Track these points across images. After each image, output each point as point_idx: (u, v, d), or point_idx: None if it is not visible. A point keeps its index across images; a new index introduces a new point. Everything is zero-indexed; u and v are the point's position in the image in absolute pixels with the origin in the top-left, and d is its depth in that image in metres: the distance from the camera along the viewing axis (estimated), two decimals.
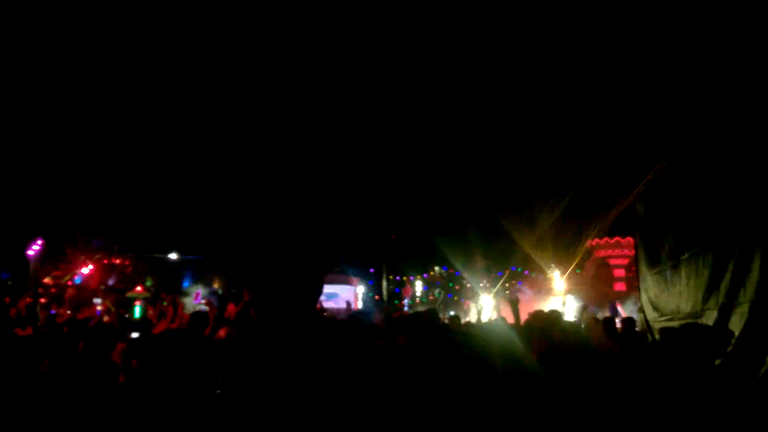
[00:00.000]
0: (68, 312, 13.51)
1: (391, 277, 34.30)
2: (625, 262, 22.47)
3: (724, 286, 6.53)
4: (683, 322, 7.17)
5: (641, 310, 9.96)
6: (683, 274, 7.88)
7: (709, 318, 6.67)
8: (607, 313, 9.89)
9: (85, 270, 29.24)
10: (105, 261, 30.29)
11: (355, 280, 33.69)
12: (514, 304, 6.12)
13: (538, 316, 4.92)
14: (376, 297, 35.57)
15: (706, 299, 7.00)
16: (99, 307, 20.25)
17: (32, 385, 4.32)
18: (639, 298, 10.30)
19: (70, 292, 25.54)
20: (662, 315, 8.69)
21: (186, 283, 31.80)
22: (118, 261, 30.91)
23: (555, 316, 5.09)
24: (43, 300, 20.09)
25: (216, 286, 32.44)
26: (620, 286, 22.73)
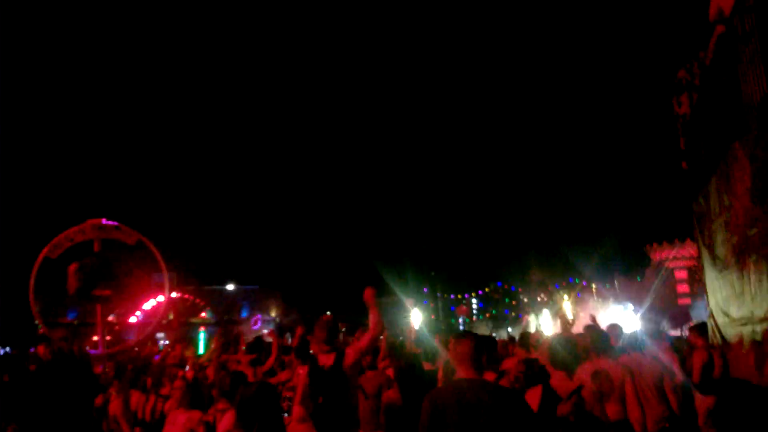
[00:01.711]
0: (135, 349, 13.88)
1: (445, 295, 33.99)
2: (687, 264, 21.65)
3: None
4: (758, 327, 6.82)
5: (711, 315, 9.55)
6: (753, 275, 7.52)
7: None
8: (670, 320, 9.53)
9: (147, 306, 30.00)
10: (165, 297, 30.99)
11: (409, 301, 33.46)
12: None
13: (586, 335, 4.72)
14: (431, 316, 35.28)
15: None
16: (162, 342, 20.75)
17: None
18: (707, 302, 9.88)
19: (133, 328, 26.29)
20: (733, 320, 8.29)
21: (244, 313, 32.35)
22: (178, 294, 31.62)
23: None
24: (109, 337, 20.70)
25: (273, 314, 32.89)
26: (684, 291, 21.90)
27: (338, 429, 4.08)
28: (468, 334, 3.21)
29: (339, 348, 4.35)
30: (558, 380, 3.69)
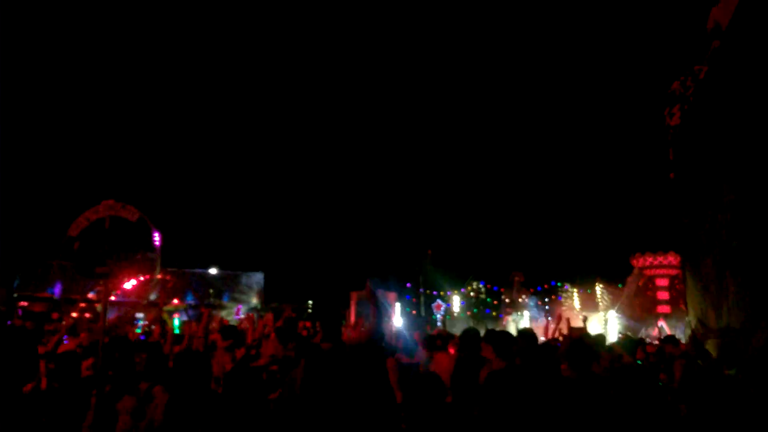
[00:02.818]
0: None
1: (427, 291, 34.03)
2: (669, 272, 21.83)
3: None
4: (734, 339, 6.94)
5: (689, 326, 9.66)
6: (732, 288, 7.63)
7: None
8: (651, 330, 9.63)
9: (128, 285, 29.68)
10: (147, 276, 30.67)
11: (391, 295, 33.43)
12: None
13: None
14: (413, 312, 35.38)
15: (759, 317, 6.71)
16: (141, 323, 20.65)
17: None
18: (686, 314, 10.01)
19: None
20: (710, 331, 8.41)
21: (226, 298, 32.17)
22: (159, 276, 31.28)
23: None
24: (87, 315, 20.56)
25: (255, 300, 32.78)
26: (663, 298, 22.08)
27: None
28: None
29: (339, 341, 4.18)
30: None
